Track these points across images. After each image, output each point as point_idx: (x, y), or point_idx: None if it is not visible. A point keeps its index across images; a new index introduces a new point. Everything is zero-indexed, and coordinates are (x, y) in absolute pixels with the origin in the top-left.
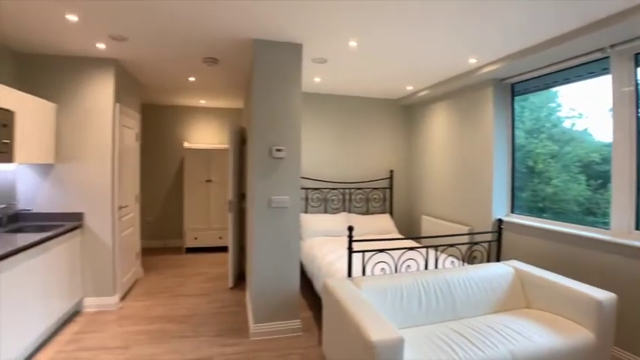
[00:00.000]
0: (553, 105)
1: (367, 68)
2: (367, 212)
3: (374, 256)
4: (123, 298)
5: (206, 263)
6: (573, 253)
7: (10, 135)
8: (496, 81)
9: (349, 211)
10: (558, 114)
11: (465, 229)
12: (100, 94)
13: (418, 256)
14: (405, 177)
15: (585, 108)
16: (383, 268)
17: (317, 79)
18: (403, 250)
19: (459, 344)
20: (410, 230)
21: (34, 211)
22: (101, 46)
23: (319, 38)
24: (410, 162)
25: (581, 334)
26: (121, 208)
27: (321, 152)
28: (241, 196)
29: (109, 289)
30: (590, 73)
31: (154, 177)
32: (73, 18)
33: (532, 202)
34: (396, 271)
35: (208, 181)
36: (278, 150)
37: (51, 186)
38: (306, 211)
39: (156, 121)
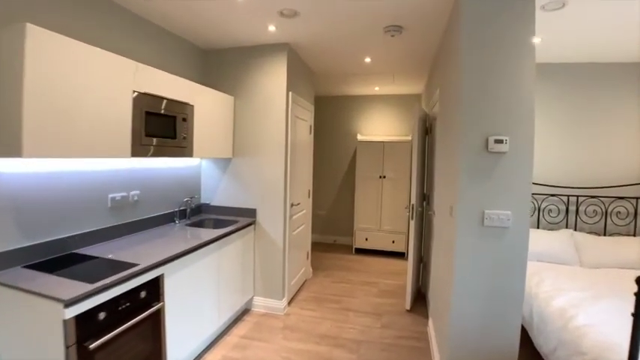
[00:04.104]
0: None
1: (630, 11)
2: (604, 232)
3: None
4: (290, 302)
5: (377, 270)
6: None
7: (189, 130)
8: None
9: (574, 228)
10: None
11: None
12: (273, 82)
13: None
14: None
15: None
16: None
17: (536, 40)
18: None
19: None
20: None
21: (212, 204)
22: (272, 28)
23: None
24: None
25: None
26: (292, 205)
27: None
28: (422, 197)
29: (278, 292)
30: None
31: (326, 169)
32: None
33: None
34: None
35: (382, 177)
36: (498, 142)
37: (228, 180)
38: None
39: (328, 113)
